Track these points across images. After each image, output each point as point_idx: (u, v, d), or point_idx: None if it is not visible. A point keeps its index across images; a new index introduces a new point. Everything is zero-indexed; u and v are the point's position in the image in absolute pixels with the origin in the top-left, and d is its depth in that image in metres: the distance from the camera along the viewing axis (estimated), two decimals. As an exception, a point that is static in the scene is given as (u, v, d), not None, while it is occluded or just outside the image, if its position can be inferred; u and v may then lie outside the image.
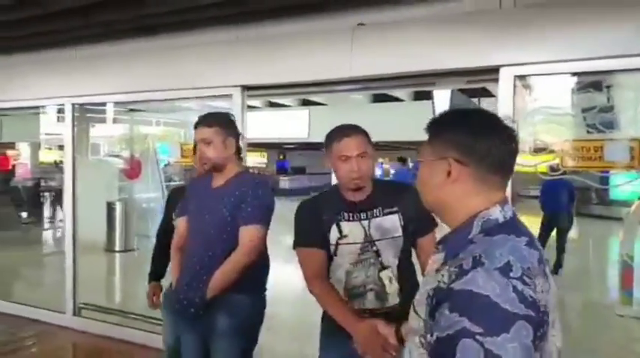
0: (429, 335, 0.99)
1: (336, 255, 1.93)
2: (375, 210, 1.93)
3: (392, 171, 24.52)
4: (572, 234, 7.59)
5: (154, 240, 2.92)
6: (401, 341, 1.38)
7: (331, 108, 12.01)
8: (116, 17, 3.56)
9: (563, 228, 7.13)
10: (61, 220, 10.50)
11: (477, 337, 0.86)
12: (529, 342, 0.88)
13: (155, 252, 2.86)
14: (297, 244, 1.98)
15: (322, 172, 17.72)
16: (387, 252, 1.91)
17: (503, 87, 2.87)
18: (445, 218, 1.13)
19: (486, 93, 8.16)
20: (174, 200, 2.69)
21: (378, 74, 3.23)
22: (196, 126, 2.30)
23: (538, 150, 3.08)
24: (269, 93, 5.75)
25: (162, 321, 2.61)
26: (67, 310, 4.61)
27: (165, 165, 7.50)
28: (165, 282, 2.68)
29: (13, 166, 14.16)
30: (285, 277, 4.11)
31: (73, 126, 4.64)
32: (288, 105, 12.99)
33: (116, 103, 5.52)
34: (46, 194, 12.06)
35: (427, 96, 7.19)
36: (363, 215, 1.93)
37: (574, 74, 2.96)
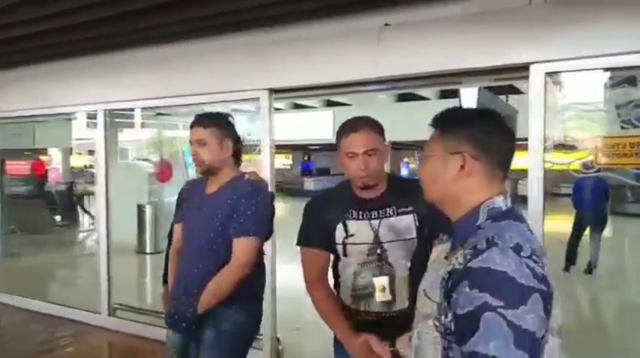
0: (443, 317, 1.05)
1: (345, 255, 1.86)
2: (388, 210, 1.83)
3: (418, 171, 24.46)
4: (607, 233, 7.42)
5: None
6: (396, 357, 1.43)
7: (356, 108, 11.99)
8: (146, 25, 3.63)
9: (597, 226, 6.96)
10: (93, 223, 10.77)
11: (499, 310, 0.92)
12: (543, 314, 0.96)
13: (167, 254, 2.87)
14: (299, 242, 1.94)
15: (347, 173, 17.64)
16: (396, 254, 1.81)
17: (534, 84, 2.83)
18: (450, 209, 1.19)
19: (514, 90, 8.05)
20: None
21: (405, 74, 3.22)
22: (192, 126, 2.19)
23: (569, 148, 3.02)
24: (296, 96, 5.77)
25: None
26: (103, 310, 4.73)
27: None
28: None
29: (46, 171, 14.56)
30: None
31: (106, 131, 4.77)
32: (313, 107, 13.03)
33: (143, 108, 5.63)
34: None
35: (453, 94, 7.11)
36: (374, 214, 1.83)
37: (607, 69, 2.89)
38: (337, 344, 1.89)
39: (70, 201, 12.00)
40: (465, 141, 1.14)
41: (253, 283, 2.18)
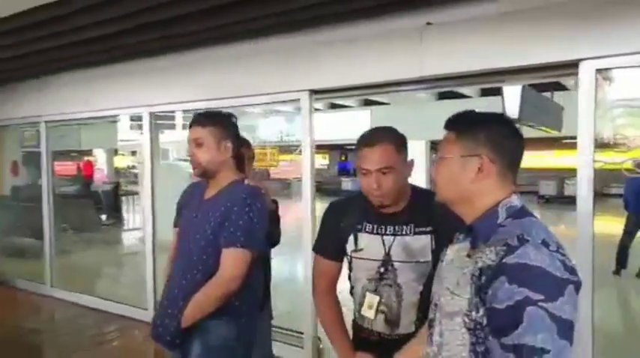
0: (474, 313, 1.09)
1: (351, 269, 1.80)
2: (405, 227, 1.69)
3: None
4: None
5: None
6: None
7: (394, 107, 11.88)
8: (191, 29, 3.72)
9: (650, 228, 6.68)
10: (138, 226, 11.08)
11: (540, 303, 0.97)
12: (576, 302, 1.02)
13: None
14: (313, 248, 1.91)
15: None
16: (406, 276, 1.69)
17: (584, 81, 2.74)
18: (464, 209, 1.23)
19: (559, 87, 7.80)
20: None
21: (449, 73, 3.18)
22: (190, 125, 2.06)
23: (620, 146, 2.92)
24: (336, 96, 5.79)
25: None
26: (149, 306, 4.87)
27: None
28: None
29: (94, 171, 15.12)
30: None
31: (151, 133, 4.91)
32: (350, 106, 12.99)
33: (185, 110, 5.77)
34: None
35: (495, 91, 6.96)
36: (389, 229, 1.71)
37: (661, 65, 2.77)
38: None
39: (115, 201, 12.39)
40: (482, 144, 1.18)
41: (243, 295, 1.97)
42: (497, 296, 1.02)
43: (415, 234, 1.68)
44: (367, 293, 1.73)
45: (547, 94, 7.42)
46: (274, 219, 2.41)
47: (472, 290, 1.10)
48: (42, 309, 5.62)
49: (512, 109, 5.95)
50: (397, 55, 3.33)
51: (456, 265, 1.22)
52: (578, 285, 1.03)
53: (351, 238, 1.75)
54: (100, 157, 19.41)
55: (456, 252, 1.27)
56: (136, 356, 4.24)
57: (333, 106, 12.55)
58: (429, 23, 3.20)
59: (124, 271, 7.69)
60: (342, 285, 1.91)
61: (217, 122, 2.04)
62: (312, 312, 3.71)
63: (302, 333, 3.91)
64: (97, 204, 11.76)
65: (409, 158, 1.73)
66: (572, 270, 1.04)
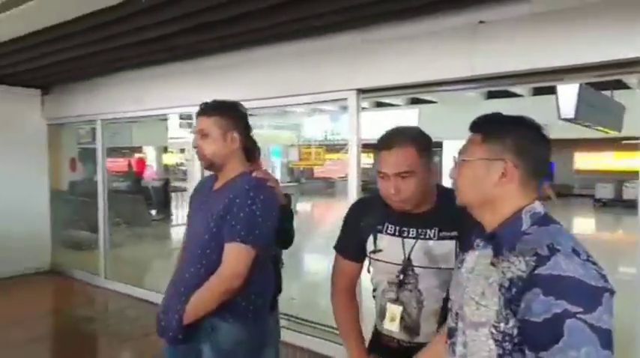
0: (502, 324, 1.07)
1: (370, 271, 1.72)
2: (428, 231, 1.58)
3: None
4: None
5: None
6: None
7: (442, 105, 11.68)
8: (238, 30, 3.77)
9: None
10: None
11: (579, 315, 0.95)
12: (612, 309, 0.99)
13: None
14: (334, 247, 1.81)
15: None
16: (428, 282, 1.58)
17: (649, 80, 2.60)
18: (484, 215, 1.21)
19: (620, 85, 7.43)
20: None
21: (501, 72, 3.09)
22: (197, 115, 1.98)
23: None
24: (384, 95, 5.74)
25: None
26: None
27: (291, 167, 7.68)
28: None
29: (145, 168, 15.64)
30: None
31: (201, 131, 5.00)
32: (397, 105, 12.85)
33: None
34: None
35: (549, 90, 6.72)
36: (411, 232, 1.60)
37: None
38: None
39: (165, 197, 12.73)
40: (507, 148, 1.16)
41: (251, 299, 1.88)
42: (531, 309, 1.00)
43: (439, 238, 1.57)
44: (388, 305, 1.63)
45: (607, 93, 7.09)
46: (286, 215, 2.20)
47: (501, 302, 1.08)
48: (96, 299, 5.87)
49: (567, 108, 5.72)
50: (448, 54, 3.26)
51: (479, 274, 1.18)
52: (612, 292, 1.01)
53: (371, 238, 1.66)
54: (149, 154, 20.05)
55: (476, 259, 1.23)
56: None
57: (380, 105, 12.44)
58: (481, 21, 3.11)
59: (172, 265, 7.90)
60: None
61: (224, 112, 1.94)
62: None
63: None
64: (148, 200, 12.12)
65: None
66: (604, 277, 1.02)
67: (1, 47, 4.40)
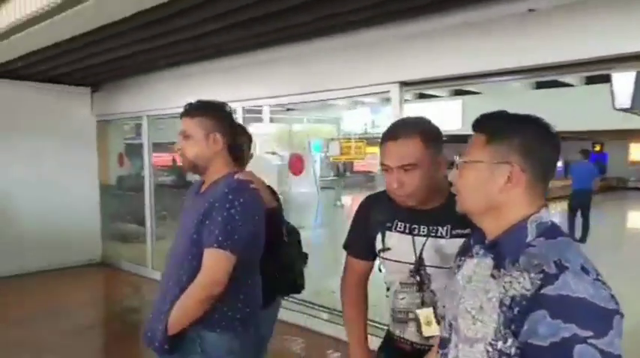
0: (500, 343, 0.99)
1: (381, 270, 1.65)
2: (440, 229, 1.49)
3: (557, 164, 22.34)
4: None
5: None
6: None
7: (486, 96, 11.35)
8: (282, 25, 3.77)
9: None
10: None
11: (590, 340, 0.88)
12: (622, 333, 0.92)
13: None
14: (344, 245, 1.74)
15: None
16: (440, 282, 1.48)
17: None
18: (487, 223, 1.12)
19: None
20: None
21: (551, 62, 2.96)
22: (180, 116, 1.91)
23: None
24: (427, 87, 5.65)
25: None
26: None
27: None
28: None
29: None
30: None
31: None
32: (439, 96, 12.61)
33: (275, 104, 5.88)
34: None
35: (602, 79, 6.41)
36: (422, 229, 1.52)
37: None
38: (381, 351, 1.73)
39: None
40: (514, 151, 1.06)
41: (237, 307, 1.80)
42: (536, 331, 0.92)
43: (452, 236, 1.48)
44: (417, 311, 1.53)
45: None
46: (273, 218, 2.07)
47: (500, 320, 1.00)
48: (142, 290, 6.04)
49: (623, 98, 5.44)
50: (494, 44, 3.15)
51: (477, 285, 1.09)
52: (622, 315, 0.93)
53: (379, 237, 1.59)
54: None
55: (474, 267, 1.14)
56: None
57: (422, 96, 12.23)
58: (531, 10, 2.99)
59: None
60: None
61: (207, 112, 1.86)
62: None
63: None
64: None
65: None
66: (615, 299, 0.94)
67: (57, 47, 4.57)
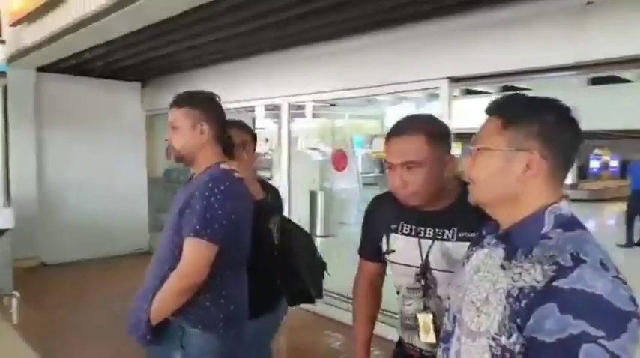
0: (503, 337, 0.93)
1: (387, 273, 1.60)
2: (447, 231, 1.43)
3: (612, 164, 21.30)
4: None
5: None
6: None
7: (537, 92, 10.73)
8: (328, 21, 3.76)
9: None
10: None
11: (600, 341, 0.82)
12: (637, 339, 0.85)
13: None
14: (359, 249, 1.71)
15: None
16: (446, 287, 1.39)
17: None
18: (502, 214, 1.04)
19: None
20: None
21: (610, 58, 2.83)
22: (169, 107, 1.89)
23: None
24: (477, 83, 5.54)
25: None
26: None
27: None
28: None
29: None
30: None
31: (289, 123, 5.10)
32: (487, 92, 12.27)
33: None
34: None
35: (663, 75, 6.07)
36: (428, 231, 1.46)
37: None
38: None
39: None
40: (533, 137, 0.97)
41: (219, 304, 1.76)
42: (543, 326, 0.86)
43: (458, 239, 1.41)
44: (418, 315, 1.47)
45: None
46: (263, 212, 2.00)
47: (506, 312, 0.94)
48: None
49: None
50: (548, 39, 3.04)
51: (485, 276, 1.03)
52: (638, 317, 0.86)
53: (384, 239, 1.54)
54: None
55: (484, 258, 1.07)
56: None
57: (469, 92, 11.94)
58: (589, 2, 2.85)
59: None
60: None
61: (195, 103, 1.84)
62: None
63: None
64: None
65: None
66: (633, 300, 0.86)
67: (114, 44, 4.73)
